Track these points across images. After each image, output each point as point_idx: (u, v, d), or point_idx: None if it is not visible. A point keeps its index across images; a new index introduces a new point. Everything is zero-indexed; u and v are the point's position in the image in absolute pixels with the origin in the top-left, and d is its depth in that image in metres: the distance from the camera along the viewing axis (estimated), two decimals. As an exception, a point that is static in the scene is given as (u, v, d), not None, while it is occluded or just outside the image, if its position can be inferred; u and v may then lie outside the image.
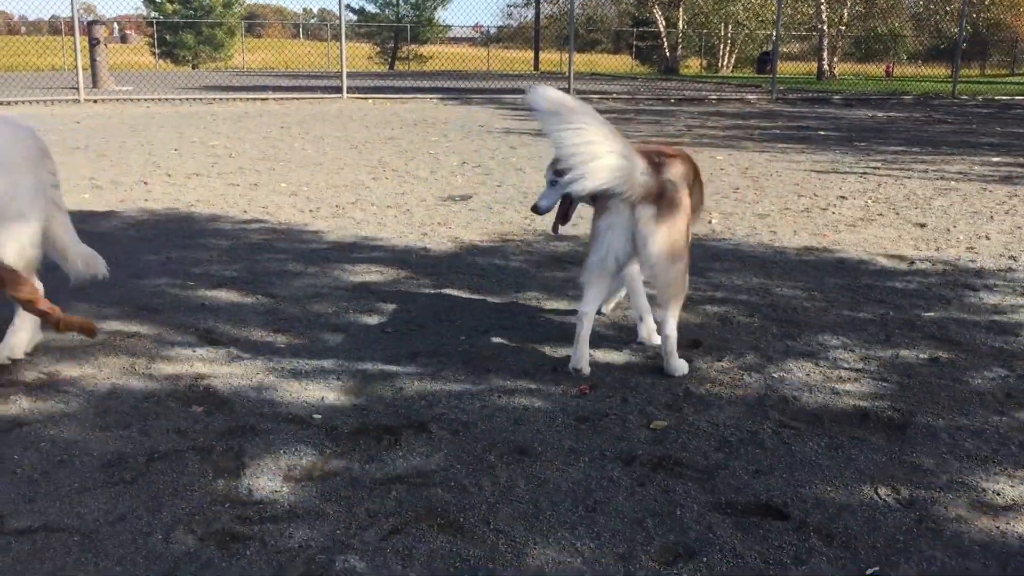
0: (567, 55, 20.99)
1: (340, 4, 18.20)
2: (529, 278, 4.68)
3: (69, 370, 3.33)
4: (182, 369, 3.37)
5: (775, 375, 3.37)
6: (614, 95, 19.52)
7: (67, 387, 3.18)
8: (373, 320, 3.98)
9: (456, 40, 50.60)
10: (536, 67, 40.98)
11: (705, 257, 5.13)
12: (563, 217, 3.72)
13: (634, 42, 45.00)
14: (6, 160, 3.20)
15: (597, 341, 3.73)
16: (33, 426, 2.85)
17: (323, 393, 3.15)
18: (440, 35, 50.02)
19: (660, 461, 2.66)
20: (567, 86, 19.24)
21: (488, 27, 48.98)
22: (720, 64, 46.16)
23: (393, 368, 3.39)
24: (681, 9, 43.04)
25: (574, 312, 4.10)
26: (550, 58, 42.07)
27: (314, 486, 2.49)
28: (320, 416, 2.95)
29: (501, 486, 2.50)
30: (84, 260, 3.64)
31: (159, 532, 2.25)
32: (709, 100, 18.39)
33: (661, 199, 3.22)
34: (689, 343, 3.64)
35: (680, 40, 43.40)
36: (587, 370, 3.37)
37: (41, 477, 2.52)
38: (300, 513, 2.35)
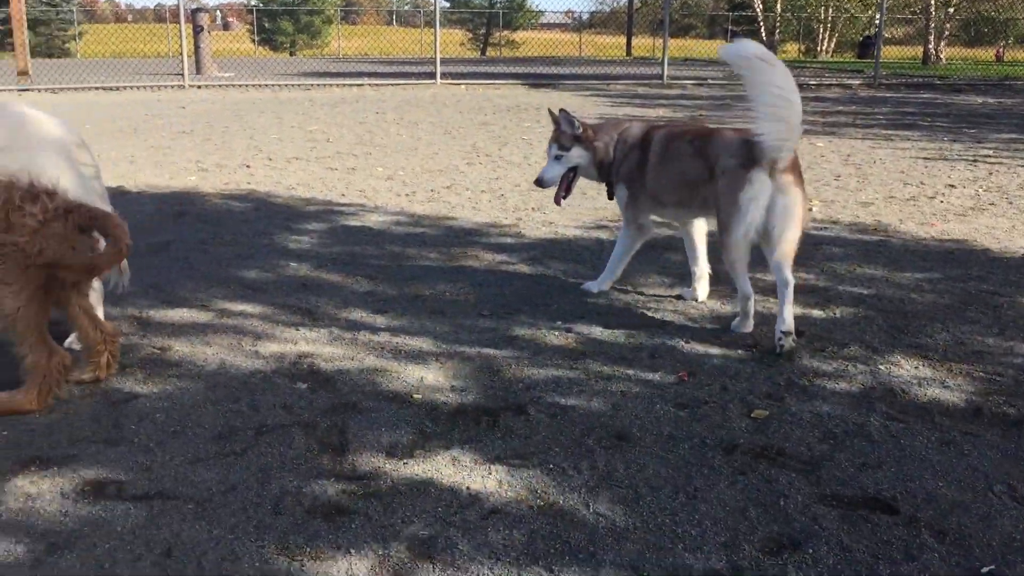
0: (660, 40, 20.73)
1: (435, -10, 18.31)
2: (644, 263, 4.64)
3: (180, 346, 3.45)
4: (286, 347, 3.46)
5: (881, 367, 3.28)
6: (709, 80, 19.19)
7: (179, 362, 3.29)
8: (470, 302, 4.01)
9: (548, 26, 50.51)
10: (628, 52, 40.56)
11: (807, 245, 5.02)
12: (566, 190, 4.12)
13: (729, 27, 44.11)
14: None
15: (693, 329, 3.69)
16: (148, 398, 2.97)
17: (422, 373, 3.19)
18: (532, 21, 50.02)
19: (762, 451, 2.62)
20: (660, 72, 19.02)
21: (580, 13, 48.64)
22: (819, 49, 44.95)
23: (490, 351, 3.42)
24: (780, -8, 42.09)
25: (670, 298, 4.08)
26: (643, 43, 41.63)
27: (416, 464, 2.53)
28: (420, 396, 2.99)
29: (600, 471, 2.50)
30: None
31: (268, 503, 2.32)
32: (808, 86, 17.94)
33: (796, 166, 3.47)
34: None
35: (778, 24, 42.41)
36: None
37: (156, 447, 2.62)
38: (403, 490, 2.39)
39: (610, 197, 4.15)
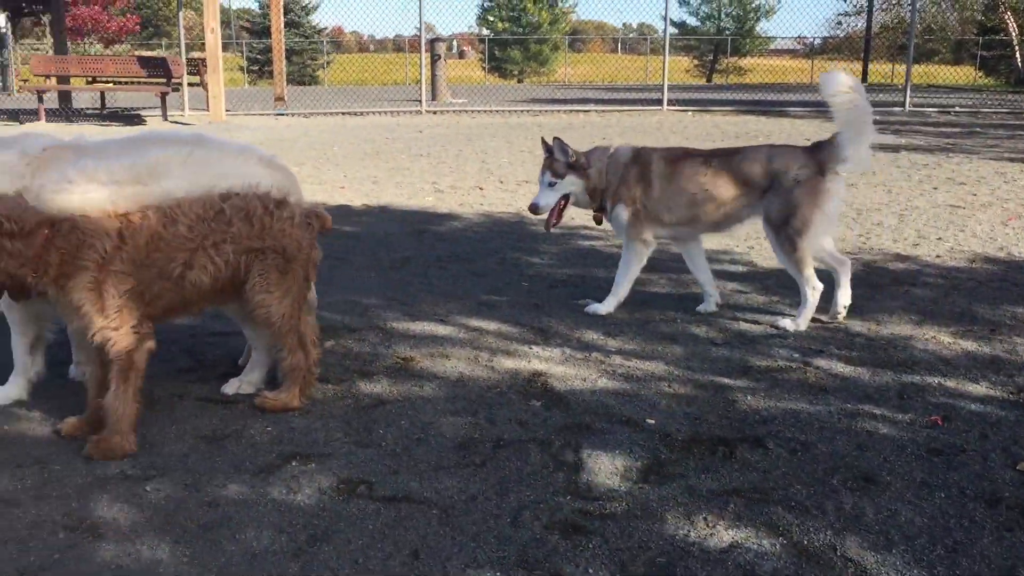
0: (899, 66, 19.65)
1: (665, 18, 18.31)
2: (887, 298, 4.41)
3: (421, 358, 3.61)
4: (520, 364, 3.54)
5: None
6: (955, 108, 18.00)
7: (420, 373, 3.45)
8: (702, 331, 3.95)
9: (777, 52, 49.14)
10: (864, 79, 38.71)
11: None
12: (558, 216, 4.28)
13: (978, 51, 41.18)
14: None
15: (945, 370, 3.45)
16: (393, 405, 3.12)
17: (655, 399, 3.17)
18: (761, 47, 48.84)
19: (1031, 507, 2.40)
20: (902, 99, 18.05)
21: (813, 38, 46.97)
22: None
23: (724, 380, 3.35)
24: (1038, 13, 38.78)
25: (919, 337, 3.84)
26: (880, 70, 39.55)
27: (651, 489, 2.51)
28: (653, 421, 2.97)
29: (847, 512, 2.38)
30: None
31: (507, 515, 2.37)
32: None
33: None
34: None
35: (1035, 48, 39.09)
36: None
37: (402, 452, 2.75)
38: (638, 514, 2.38)
39: (598, 222, 4.41)
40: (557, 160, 4.19)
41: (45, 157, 3.00)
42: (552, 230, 4.41)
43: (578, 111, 18.11)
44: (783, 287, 4.64)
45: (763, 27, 49.65)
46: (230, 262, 2.83)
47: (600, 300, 4.24)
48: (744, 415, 3.02)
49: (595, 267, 5.12)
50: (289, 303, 2.96)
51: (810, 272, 3.96)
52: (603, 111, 18.11)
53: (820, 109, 18.25)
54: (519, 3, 45.86)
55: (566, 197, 4.23)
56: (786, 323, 4.00)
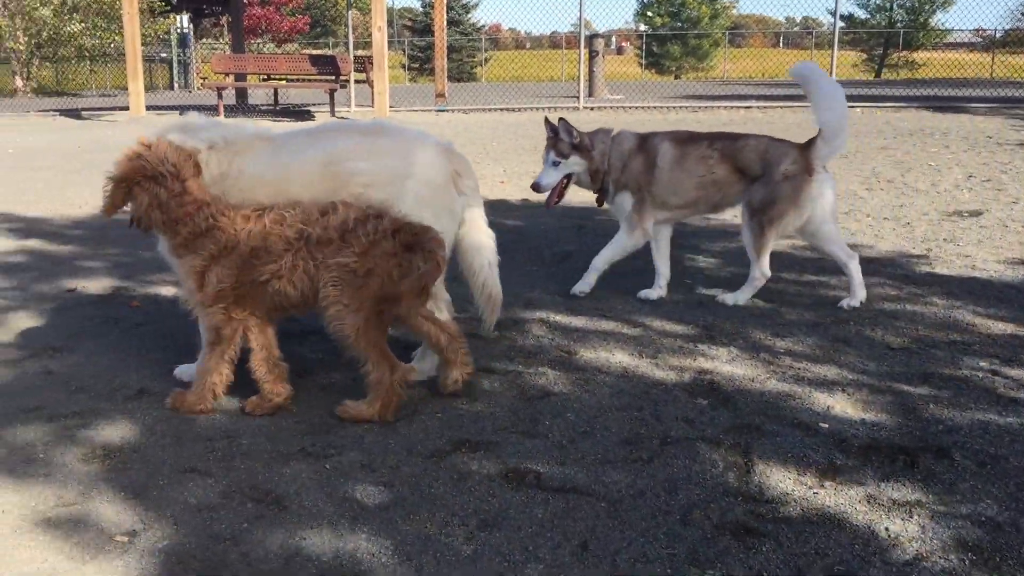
0: (1098, 58, 18.19)
1: (835, 12, 17.62)
2: (1061, 306, 4.12)
3: (585, 351, 3.62)
4: (685, 362, 3.49)
5: None
6: None
7: (584, 366, 3.45)
8: (877, 335, 3.78)
9: (952, 46, 46.47)
10: (1051, 73, 36.11)
11: None
12: (559, 195, 4.39)
13: None
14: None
15: None
16: (559, 397, 3.14)
17: (829, 402, 3.06)
18: (936, 40, 46.31)
19: None
20: (1096, 93, 16.72)
21: (994, 30, 44.12)
22: None
23: (903, 386, 3.19)
24: None
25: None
26: (1070, 63, 36.82)
27: (826, 495, 2.43)
28: (827, 425, 2.87)
29: (1044, 532, 2.23)
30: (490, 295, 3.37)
31: (676, 513, 2.34)
32: None
33: None
34: None
35: None
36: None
37: (568, 444, 2.77)
38: (814, 519, 2.30)
39: (600, 204, 4.53)
40: (562, 140, 4.27)
41: (247, 145, 3.15)
42: (554, 208, 4.54)
43: (739, 107, 17.68)
44: (968, 293, 4.40)
45: (939, 18, 47.01)
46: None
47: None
48: (926, 424, 2.87)
49: (761, 266, 4.98)
50: (363, 316, 2.84)
51: (766, 259, 4.23)
52: (765, 107, 17.61)
53: (1005, 105, 17.18)
54: (679, -2, 45.22)
55: (569, 177, 4.33)
56: (726, 297, 4.31)
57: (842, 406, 3.03)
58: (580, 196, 6.78)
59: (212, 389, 2.98)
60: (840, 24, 18.19)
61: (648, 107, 18.03)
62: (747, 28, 60.01)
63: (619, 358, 3.53)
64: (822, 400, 3.08)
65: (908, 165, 9.08)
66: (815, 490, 2.46)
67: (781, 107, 17.50)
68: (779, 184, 4.10)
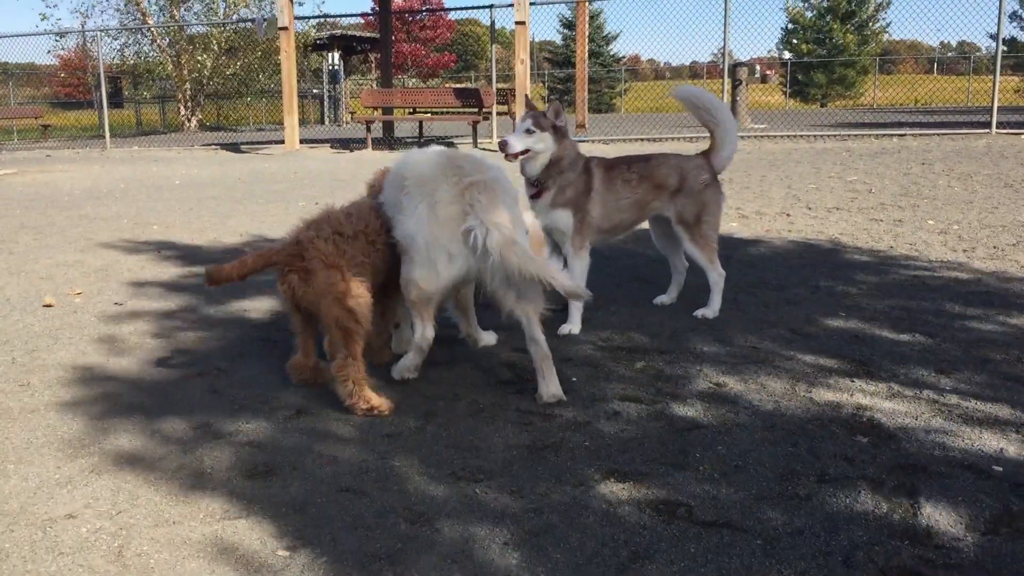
0: None
1: (998, 36, 16.74)
2: None
3: (734, 384, 3.53)
4: (842, 397, 3.36)
5: None
6: None
7: (735, 399, 3.37)
8: (1053, 373, 3.55)
9: None
10: None
11: None
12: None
13: None
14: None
15: None
16: (708, 430, 3.07)
17: (1001, 444, 2.88)
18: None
19: None
20: None
21: None
22: None
23: (1085, 430, 2.97)
24: None
25: None
26: None
27: (1003, 543, 2.28)
28: (1001, 468, 2.70)
29: None
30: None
31: (838, 554, 2.24)
32: None
33: None
34: None
35: None
36: None
37: (720, 478, 2.70)
38: (989, 568, 2.16)
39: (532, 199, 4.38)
40: (545, 116, 4.24)
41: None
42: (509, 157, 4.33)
43: (891, 135, 17.04)
44: None
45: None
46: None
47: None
48: (1113, 471, 2.66)
49: (921, 299, 4.76)
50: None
51: (717, 261, 4.57)
52: (919, 135, 16.91)
53: None
54: (825, 24, 44.07)
55: (528, 152, 4.26)
56: (704, 312, 4.55)
57: (1017, 448, 2.84)
58: (725, 226, 6.64)
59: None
60: (1002, 48, 17.26)
61: (794, 136, 17.60)
62: (897, 54, 57.83)
63: (771, 391, 3.43)
64: (994, 441, 2.90)
65: (1081, 194, 8.51)
66: (989, 537, 2.31)
67: (938, 135, 16.75)
68: (701, 193, 4.47)
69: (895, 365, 3.70)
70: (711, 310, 4.55)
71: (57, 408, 3.40)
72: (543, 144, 4.25)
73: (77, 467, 2.86)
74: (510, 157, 4.29)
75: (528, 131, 4.25)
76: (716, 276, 4.56)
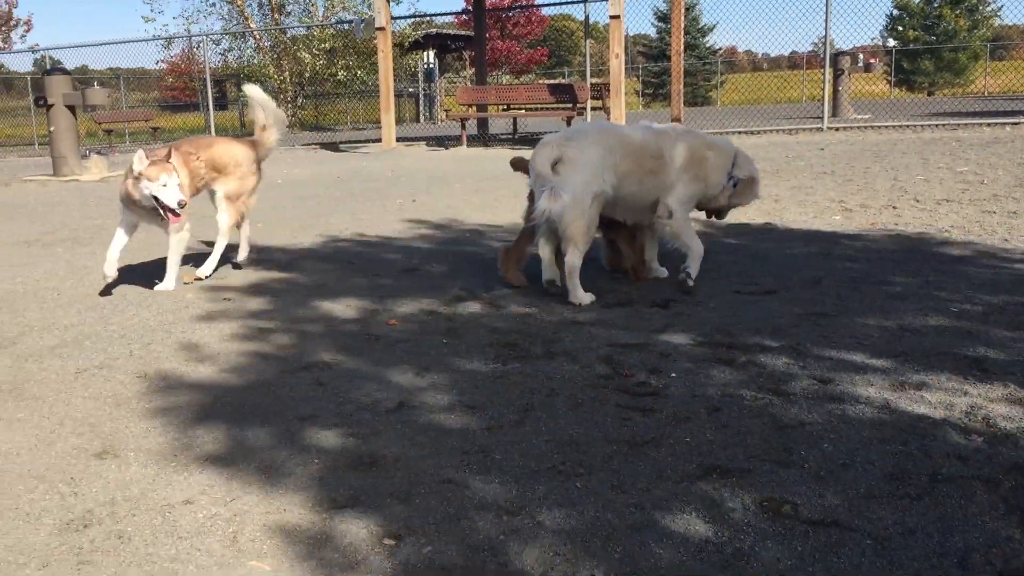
0: None
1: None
2: None
3: (840, 381, 3.45)
4: (954, 397, 3.24)
5: None
6: None
7: (840, 396, 3.28)
8: None
9: None
10: None
11: None
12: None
13: None
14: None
15: None
16: (814, 427, 3.00)
17: None
18: None
19: None
20: None
21: None
22: None
23: None
24: None
25: None
26: None
27: None
28: None
29: None
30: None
31: (953, 555, 2.17)
32: None
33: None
34: None
35: None
36: None
37: (827, 475, 2.64)
38: (1118, 576, 2.06)
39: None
40: None
41: None
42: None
43: (1004, 124, 16.33)
44: None
45: None
46: None
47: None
48: None
49: (1038, 294, 4.56)
50: None
51: None
52: (1035, 123, 16.15)
53: None
54: (934, 10, 42.49)
55: None
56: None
57: None
58: (827, 220, 6.51)
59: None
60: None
61: (900, 126, 17.03)
62: (1010, 39, 55.30)
63: (878, 388, 3.34)
64: (1120, 443, 2.76)
65: None
66: (1117, 542, 2.20)
67: (1054, 122, 15.97)
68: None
69: (1011, 363, 3.56)
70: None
71: (172, 399, 3.55)
72: None
73: (192, 455, 2.98)
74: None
75: None
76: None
